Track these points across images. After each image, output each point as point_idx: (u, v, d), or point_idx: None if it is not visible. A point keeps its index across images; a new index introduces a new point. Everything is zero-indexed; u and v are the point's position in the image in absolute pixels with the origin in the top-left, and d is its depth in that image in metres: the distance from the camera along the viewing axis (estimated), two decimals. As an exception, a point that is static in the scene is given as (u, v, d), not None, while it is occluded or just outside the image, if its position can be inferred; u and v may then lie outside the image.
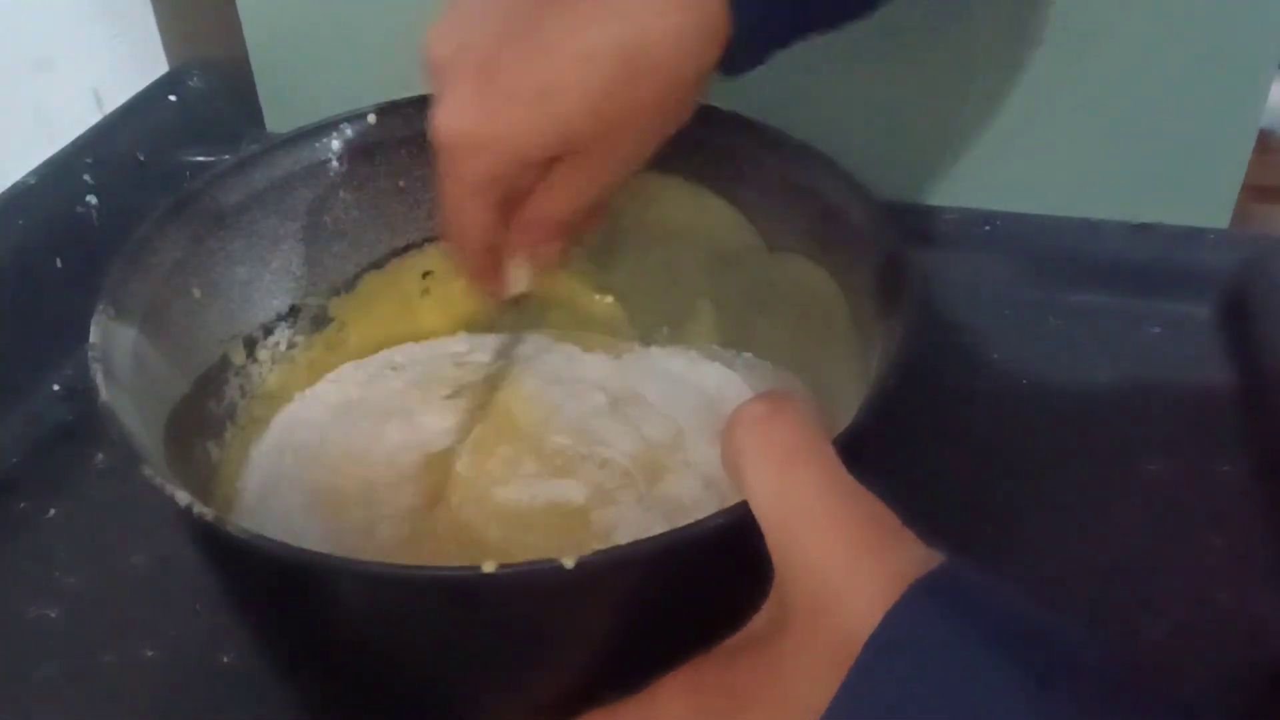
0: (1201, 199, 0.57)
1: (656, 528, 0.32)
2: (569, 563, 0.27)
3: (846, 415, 0.32)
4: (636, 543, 0.29)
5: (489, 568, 0.28)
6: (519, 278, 0.41)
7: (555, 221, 0.39)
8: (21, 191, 0.52)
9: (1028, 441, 0.48)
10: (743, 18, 0.35)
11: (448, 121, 0.36)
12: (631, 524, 0.39)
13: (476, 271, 0.41)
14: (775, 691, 0.27)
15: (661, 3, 0.34)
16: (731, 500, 0.29)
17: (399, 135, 0.46)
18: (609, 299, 0.49)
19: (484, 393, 0.44)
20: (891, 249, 0.38)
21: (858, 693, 0.25)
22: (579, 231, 0.42)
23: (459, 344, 0.48)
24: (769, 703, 0.27)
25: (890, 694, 0.25)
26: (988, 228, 0.57)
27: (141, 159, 0.58)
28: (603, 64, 0.34)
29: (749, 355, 0.46)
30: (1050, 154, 0.57)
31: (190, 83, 0.64)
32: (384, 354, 0.47)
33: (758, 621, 0.29)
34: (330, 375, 0.46)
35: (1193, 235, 0.56)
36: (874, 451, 0.31)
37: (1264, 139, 0.56)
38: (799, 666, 0.27)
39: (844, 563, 0.26)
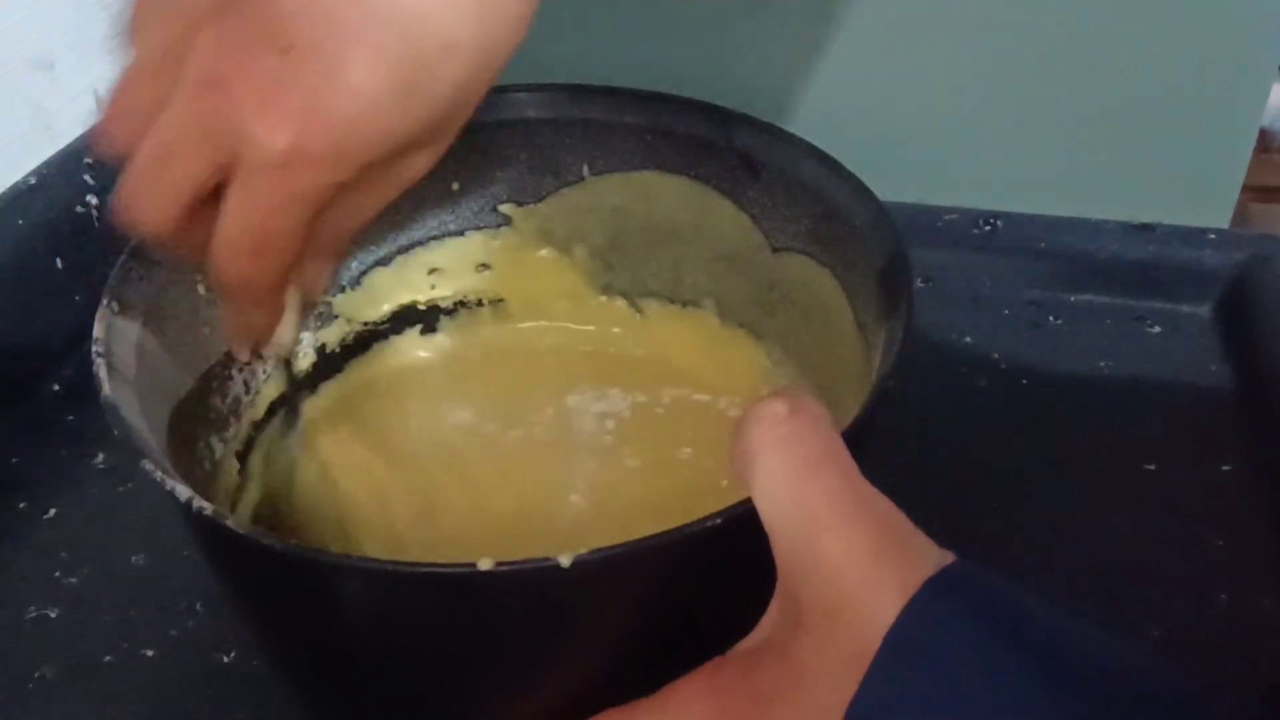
0: (1201, 199, 0.57)
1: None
2: (565, 561, 0.27)
3: (847, 414, 0.32)
4: (633, 542, 0.28)
5: (485, 565, 0.28)
6: (289, 322, 0.36)
7: (354, 230, 0.33)
8: (21, 191, 0.52)
9: (1028, 441, 0.48)
10: None
11: (276, 124, 0.28)
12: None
13: (258, 311, 0.34)
14: (798, 693, 0.27)
15: None
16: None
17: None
18: (617, 300, 0.49)
19: None
20: (893, 250, 0.38)
21: (877, 689, 0.25)
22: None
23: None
24: (792, 705, 0.27)
25: (908, 688, 0.25)
26: (988, 228, 0.57)
27: (142, 159, 0.58)
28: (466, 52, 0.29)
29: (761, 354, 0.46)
30: (1050, 154, 0.57)
31: (190, 83, 0.64)
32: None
33: (767, 623, 0.29)
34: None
35: (1193, 235, 0.56)
36: (874, 451, 0.31)
37: (1264, 139, 0.56)
38: (819, 668, 0.26)
39: (861, 564, 0.26)
